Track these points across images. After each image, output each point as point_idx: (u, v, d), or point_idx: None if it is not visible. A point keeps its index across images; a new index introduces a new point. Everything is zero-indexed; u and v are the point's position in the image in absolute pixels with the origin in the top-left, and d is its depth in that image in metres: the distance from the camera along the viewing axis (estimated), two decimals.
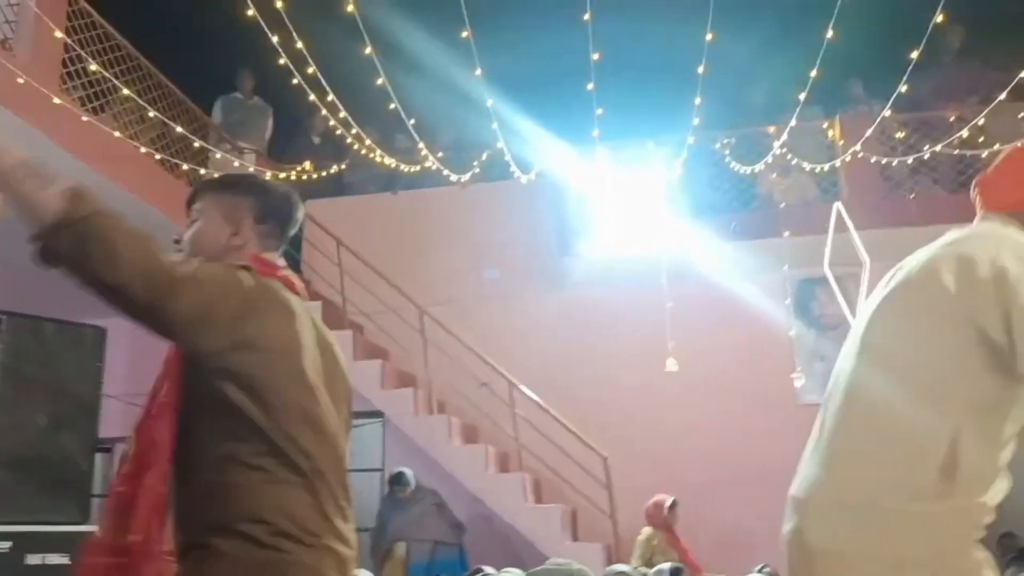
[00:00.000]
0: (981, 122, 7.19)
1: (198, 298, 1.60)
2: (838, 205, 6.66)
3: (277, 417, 1.69)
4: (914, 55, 6.29)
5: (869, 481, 1.65)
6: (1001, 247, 1.64)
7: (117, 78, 6.24)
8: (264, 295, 1.77)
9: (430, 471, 7.11)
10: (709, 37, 5.51)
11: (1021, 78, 6.30)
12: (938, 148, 7.37)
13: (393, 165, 7.91)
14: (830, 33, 5.42)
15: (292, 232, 2.06)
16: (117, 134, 6.19)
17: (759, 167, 7.83)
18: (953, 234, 1.75)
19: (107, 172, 6.05)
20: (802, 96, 6.53)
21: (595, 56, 5.62)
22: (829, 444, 1.73)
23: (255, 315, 1.71)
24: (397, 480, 6.83)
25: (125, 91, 6.21)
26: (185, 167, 7.05)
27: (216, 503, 1.67)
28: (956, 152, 7.52)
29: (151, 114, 6.55)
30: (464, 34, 5.42)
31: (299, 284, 1.95)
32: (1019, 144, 1.89)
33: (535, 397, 7.37)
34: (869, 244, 6.28)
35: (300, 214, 2.08)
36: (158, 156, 6.75)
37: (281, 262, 1.98)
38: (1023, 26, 7.86)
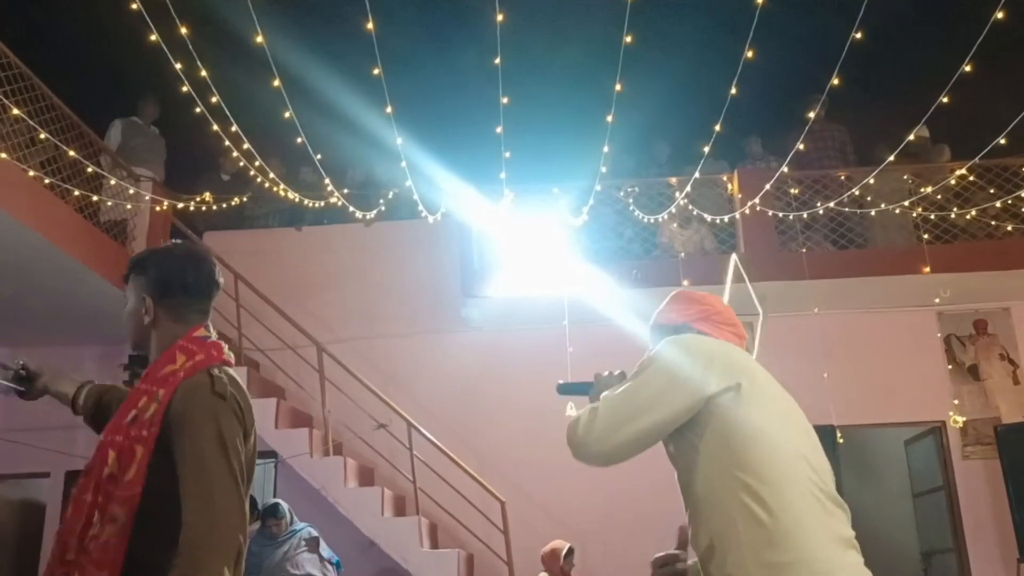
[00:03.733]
0: (871, 182, 7.55)
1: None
2: (735, 257, 6.86)
3: None
4: (811, 115, 6.58)
5: None
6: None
7: (7, 97, 5.97)
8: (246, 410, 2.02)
9: (324, 513, 6.91)
10: (618, 88, 5.63)
11: (909, 141, 6.65)
12: (831, 205, 7.69)
13: (297, 199, 7.79)
14: (733, 90, 5.61)
15: (214, 290, 2.16)
16: (4, 156, 5.90)
17: (663, 216, 8.01)
18: None
19: None
20: (706, 149, 6.73)
21: (504, 100, 5.68)
22: None
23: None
24: (272, 512, 6.55)
25: (15, 111, 5.94)
26: (76, 193, 6.77)
27: None
28: (847, 210, 7.85)
29: (42, 136, 6.27)
30: (376, 71, 5.41)
31: (230, 356, 2.13)
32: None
33: (433, 439, 7.28)
34: (763, 295, 6.47)
35: (213, 271, 2.16)
36: (47, 181, 6.46)
37: (212, 334, 2.12)
38: (892, 93, 8.33)
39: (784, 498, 1.82)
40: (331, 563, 6.60)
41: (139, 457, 1.89)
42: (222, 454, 1.88)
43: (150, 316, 2.10)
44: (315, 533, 6.61)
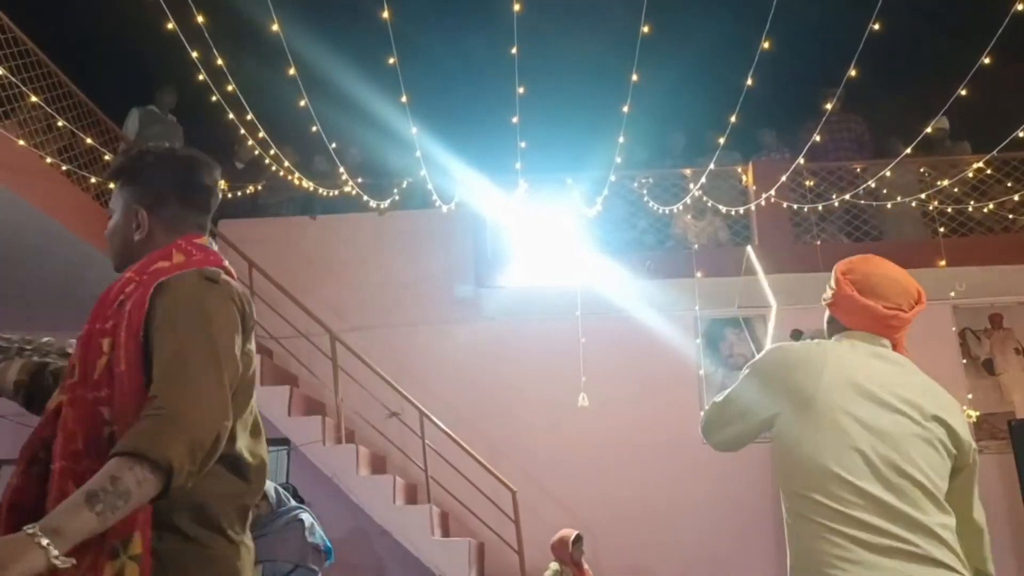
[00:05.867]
0: (887, 174, 7.50)
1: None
2: (749, 249, 6.84)
3: None
4: (828, 106, 6.53)
5: None
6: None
7: (25, 84, 6.00)
8: (243, 308, 1.74)
9: (337, 501, 6.95)
10: (634, 79, 5.61)
11: (927, 134, 6.60)
12: (847, 197, 7.65)
13: (311, 188, 7.80)
14: (749, 81, 5.58)
15: (213, 203, 1.90)
16: (22, 143, 5.94)
17: (677, 207, 7.99)
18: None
19: (9, 182, 5.80)
20: (721, 140, 6.70)
21: (520, 90, 5.67)
22: None
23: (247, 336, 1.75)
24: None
25: (33, 98, 5.97)
26: (93, 180, 6.81)
27: None
28: (863, 202, 7.81)
29: (59, 123, 6.31)
30: (391, 60, 5.41)
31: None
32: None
33: (445, 428, 7.30)
34: (776, 288, 6.46)
35: (210, 179, 1.89)
36: (64, 167, 6.50)
37: (213, 246, 1.85)
38: (909, 85, 8.25)
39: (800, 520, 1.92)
40: (320, 550, 6.41)
41: (124, 342, 1.62)
42: (203, 330, 1.58)
43: (143, 231, 1.82)
44: (303, 517, 6.46)
